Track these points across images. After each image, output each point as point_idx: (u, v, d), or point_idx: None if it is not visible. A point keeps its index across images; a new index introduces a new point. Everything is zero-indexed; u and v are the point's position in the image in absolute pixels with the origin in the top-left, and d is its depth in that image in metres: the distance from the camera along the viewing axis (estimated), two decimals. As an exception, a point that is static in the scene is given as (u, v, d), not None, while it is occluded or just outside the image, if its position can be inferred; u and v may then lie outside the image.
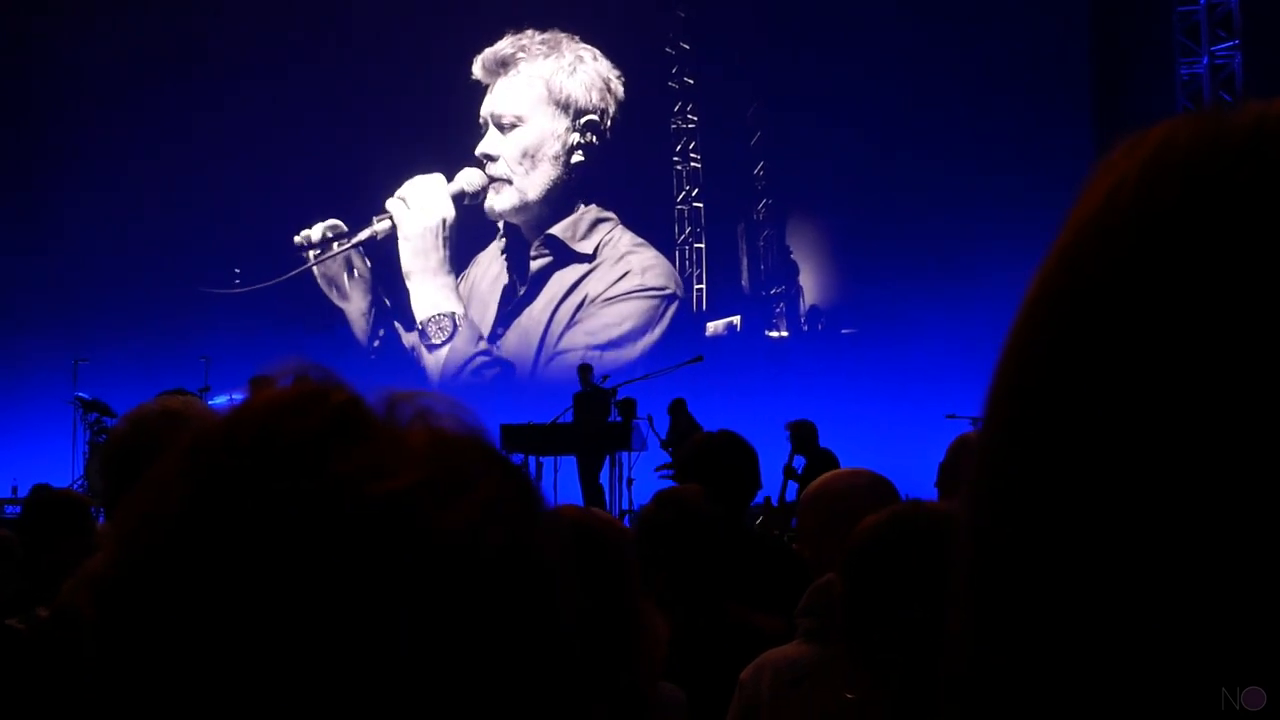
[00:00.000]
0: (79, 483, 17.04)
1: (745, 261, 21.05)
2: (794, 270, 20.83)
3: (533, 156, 20.84)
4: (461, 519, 0.74)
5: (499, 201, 20.77)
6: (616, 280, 20.57)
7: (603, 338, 20.23)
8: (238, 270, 21.13)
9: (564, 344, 20.31)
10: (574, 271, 20.79)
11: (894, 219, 19.48)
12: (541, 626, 0.77)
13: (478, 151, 20.82)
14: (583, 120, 20.89)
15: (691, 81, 21.13)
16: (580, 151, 20.81)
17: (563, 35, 21.05)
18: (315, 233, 20.92)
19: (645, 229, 20.90)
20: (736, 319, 20.85)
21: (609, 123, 20.94)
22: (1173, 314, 0.60)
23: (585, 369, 17.21)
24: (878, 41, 19.50)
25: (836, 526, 3.44)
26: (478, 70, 20.99)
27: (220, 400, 17.91)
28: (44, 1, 20.99)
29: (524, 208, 20.81)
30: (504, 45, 20.99)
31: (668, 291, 20.70)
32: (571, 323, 20.39)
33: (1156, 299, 0.60)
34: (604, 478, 16.43)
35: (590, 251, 20.80)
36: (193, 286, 20.85)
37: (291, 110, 20.64)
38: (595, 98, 20.93)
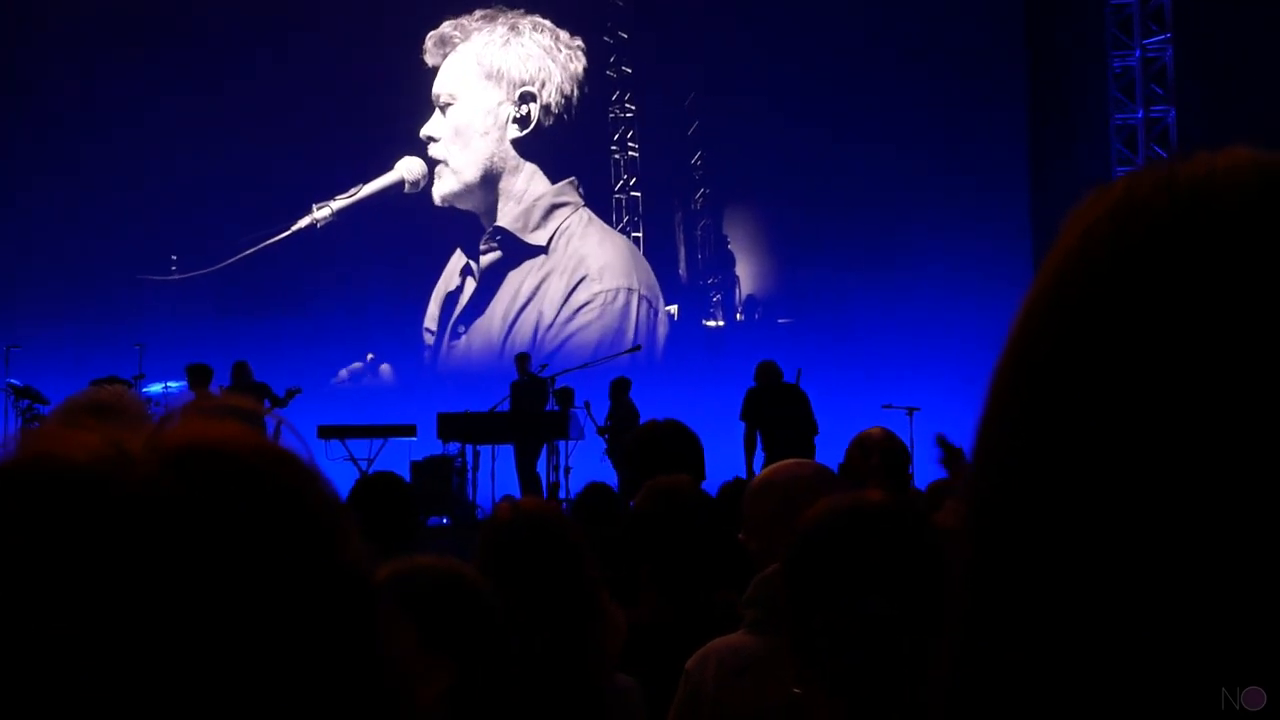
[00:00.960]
0: (9, 470, 16.86)
1: (683, 251, 21.06)
2: (731, 260, 20.86)
3: (463, 134, 20.53)
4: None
5: (440, 188, 20.56)
6: (571, 290, 20.22)
7: (569, 357, 19.76)
8: (174, 257, 20.93)
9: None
10: (529, 272, 20.44)
11: (830, 209, 19.57)
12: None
13: (421, 134, 20.64)
14: (518, 92, 20.64)
15: (629, 70, 21.09)
16: (516, 125, 20.56)
17: (504, 11, 20.84)
18: (321, 213, 20.68)
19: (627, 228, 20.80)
20: (674, 308, 20.85)
21: (554, 94, 20.68)
22: (1140, 338, 0.70)
23: (523, 357, 17.18)
24: (816, 32, 19.57)
25: (781, 517, 3.47)
26: (427, 55, 20.79)
27: (155, 388, 17.79)
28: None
29: (465, 191, 20.56)
30: (445, 26, 20.80)
31: (626, 288, 20.33)
32: (534, 343, 19.93)
33: (1128, 326, 0.70)
34: (541, 466, 16.43)
35: (544, 243, 20.50)
36: (128, 273, 20.64)
37: (237, 96, 20.44)
38: (532, 67, 20.66)
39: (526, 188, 20.58)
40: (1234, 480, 0.66)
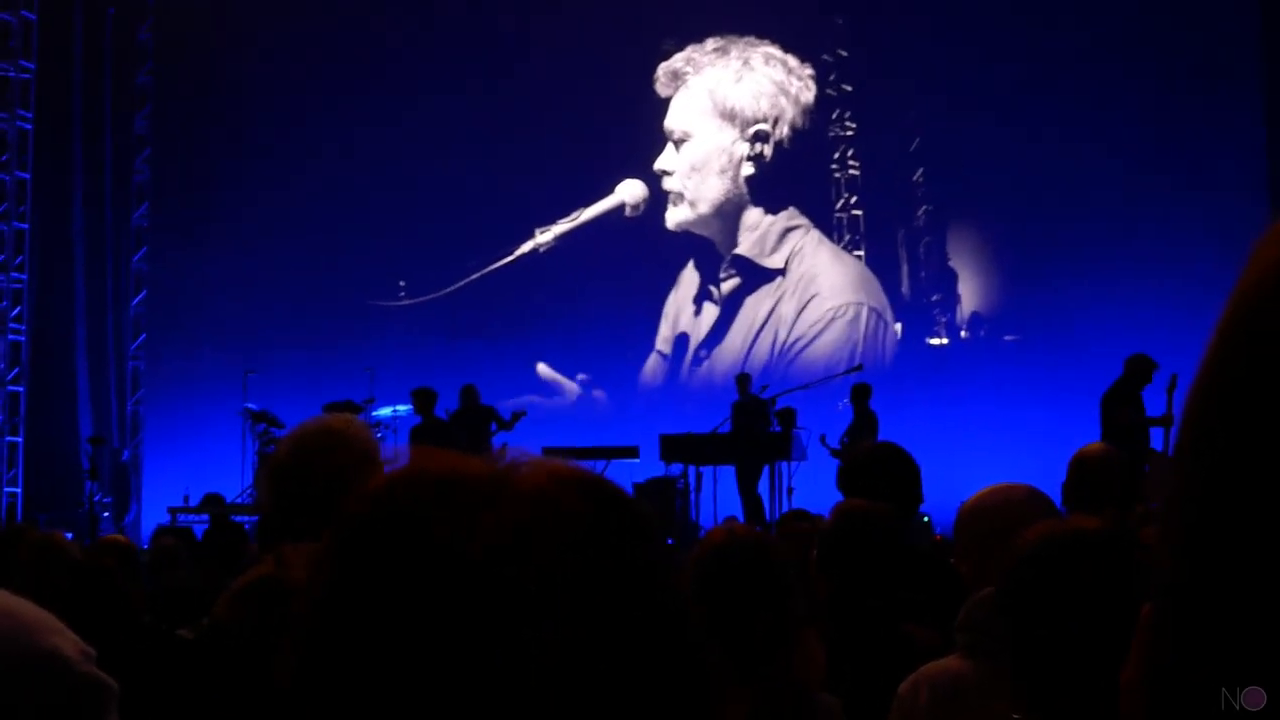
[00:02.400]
0: (248, 492, 17.45)
1: (906, 268, 20.87)
2: (954, 277, 20.61)
3: (700, 170, 20.75)
4: (542, 562, 0.87)
5: (673, 215, 20.79)
6: (802, 309, 20.31)
7: (802, 374, 19.76)
8: (402, 283, 21.42)
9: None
10: (765, 296, 20.60)
11: (1055, 223, 19.19)
12: (651, 647, 0.88)
13: (655, 167, 20.86)
14: (751, 130, 20.73)
15: (849, 88, 21.00)
16: (751, 163, 20.66)
17: (736, 40, 20.94)
18: (544, 238, 21.15)
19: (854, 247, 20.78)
20: (897, 326, 20.67)
21: (785, 129, 20.73)
22: None
23: (744, 378, 17.19)
24: (1038, 46, 19.23)
25: (993, 541, 3.40)
26: (659, 86, 21.03)
27: (384, 412, 18.24)
28: (222, 10, 21.45)
29: (700, 221, 20.76)
30: (676, 59, 21.00)
31: (857, 303, 20.36)
32: (770, 363, 20.12)
33: None
34: (763, 487, 16.40)
35: (781, 265, 20.58)
36: (358, 299, 21.18)
37: (465, 123, 20.86)
38: (764, 105, 20.75)
39: (761, 218, 20.70)
40: None
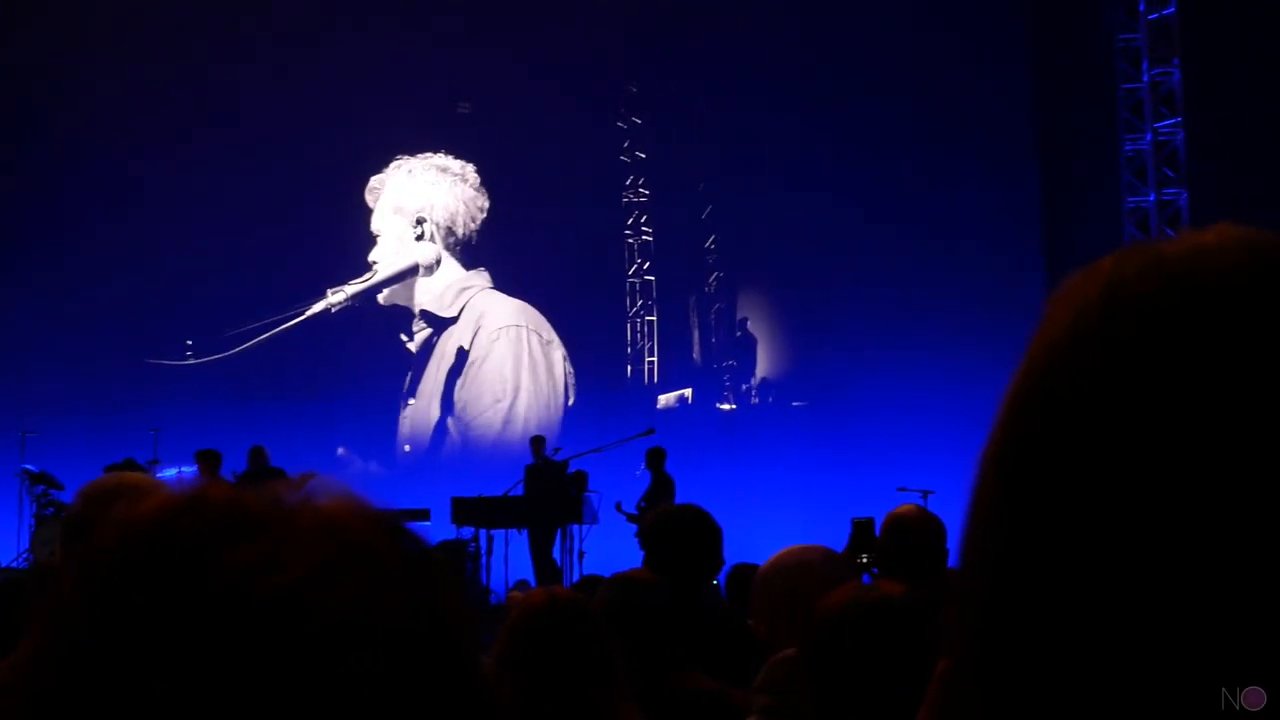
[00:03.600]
0: (24, 555, 16.86)
1: (697, 334, 21.12)
2: (745, 343, 20.90)
3: (392, 261, 21.72)
4: (349, 599, 0.77)
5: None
6: (473, 337, 21.32)
7: (487, 403, 20.91)
8: (189, 342, 21.00)
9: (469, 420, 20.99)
10: (448, 338, 21.44)
11: (843, 294, 19.59)
12: (449, 694, 0.79)
13: (370, 258, 21.63)
14: (414, 216, 21.74)
15: (643, 155, 21.24)
16: (428, 239, 21.78)
17: (408, 157, 21.85)
18: (336, 298, 21.17)
19: (599, 301, 20.96)
20: (688, 391, 20.89)
21: (440, 212, 21.83)
22: (1137, 419, 0.72)
23: (539, 440, 17.16)
24: (829, 119, 19.66)
25: (791, 602, 3.46)
26: (367, 197, 21.82)
27: (170, 473, 17.79)
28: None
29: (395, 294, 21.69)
30: (373, 181, 21.79)
31: (515, 325, 21.46)
32: (454, 392, 21.06)
33: (1122, 407, 0.73)
34: (555, 551, 16.37)
35: (455, 314, 21.48)
36: (143, 358, 20.69)
37: (253, 178, 20.58)
38: (427, 197, 21.93)
39: (440, 278, 21.61)
40: (1230, 558, 0.68)
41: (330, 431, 20.10)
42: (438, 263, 21.14)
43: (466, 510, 16.20)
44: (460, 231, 21.72)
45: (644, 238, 21.22)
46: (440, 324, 21.43)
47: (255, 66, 20.70)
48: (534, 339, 21.28)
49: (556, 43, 20.52)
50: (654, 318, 21.09)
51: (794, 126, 19.77)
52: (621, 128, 21.26)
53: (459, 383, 21.14)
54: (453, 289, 21.51)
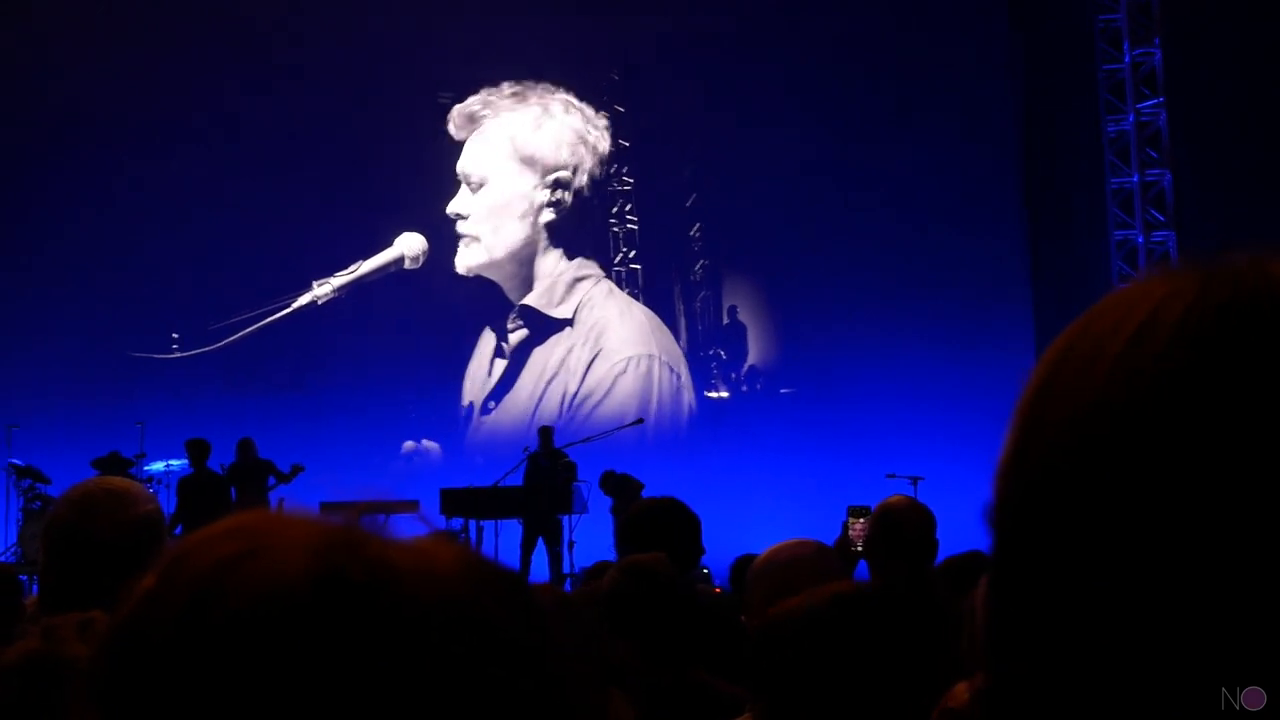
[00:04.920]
0: (11, 550, 16.85)
1: (683, 322, 21.10)
2: (731, 330, 20.89)
3: (499, 214, 20.63)
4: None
5: (465, 258, 20.62)
6: (591, 361, 20.30)
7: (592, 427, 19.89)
8: (175, 335, 20.95)
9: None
10: (554, 346, 20.54)
11: (830, 280, 19.61)
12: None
13: (449, 210, 20.70)
14: (551, 177, 20.67)
15: (627, 144, 21.20)
16: (551, 209, 20.63)
17: (534, 86, 20.91)
18: (322, 290, 20.80)
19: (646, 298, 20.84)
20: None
21: (584, 178, 20.74)
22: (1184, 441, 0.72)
23: (546, 431, 17.03)
24: (811, 106, 19.68)
25: (783, 598, 3.46)
26: (452, 128, 20.90)
27: (157, 466, 17.80)
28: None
29: (492, 265, 20.64)
30: (472, 101, 20.87)
31: (647, 355, 20.39)
32: (560, 416, 19.98)
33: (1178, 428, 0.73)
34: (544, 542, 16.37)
35: (569, 315, 20.55)
36: (129, 351, 20.65)
37: (238, 170, 20.54)
38: (565, 153, 20.71)
39: (554, 266, 20.71)
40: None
41: (317, 423, 20.05)
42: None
43: (455, 501, 16.20)
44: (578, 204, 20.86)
45: (628, 226, 21.19)
46: (542, 324, 20.65)
47: (239, 58, 20.65)
48: (665, 372, 20.30)
49: (538, 32, 20.48)
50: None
51: (776, 112, 19.77)
52: (605, 115, 21.21)
53: (568, 411, 20.25)
54: (563, 281, 20.65)
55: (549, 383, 20.42)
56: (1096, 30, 19.26)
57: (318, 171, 20.69)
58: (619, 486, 16.15)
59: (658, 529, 4.82)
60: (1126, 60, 19.11)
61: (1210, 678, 0.68)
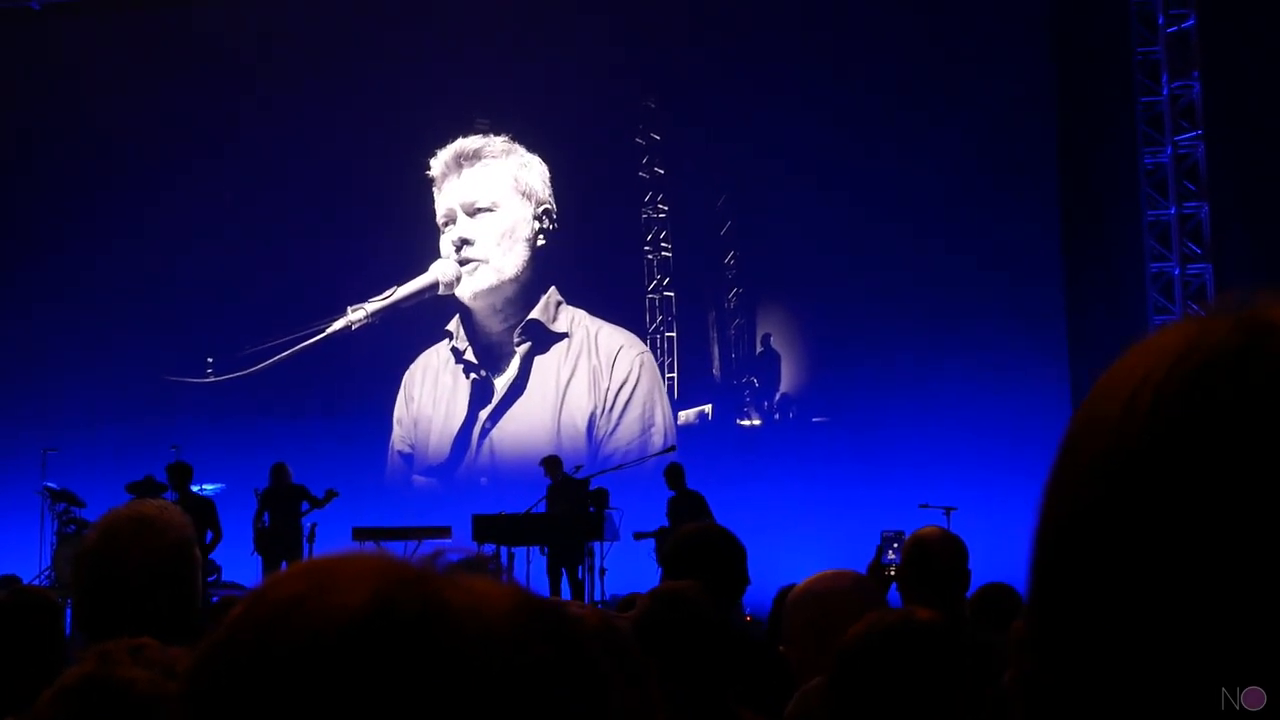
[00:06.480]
0: (46, 573, 16.93)
1: (717, 350, 21.11)
2: (765, 358, 20.88)
3: (509, 238, 21.15)
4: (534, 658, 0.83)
5: (473, 284, 21.06)
6: (614, 358, 20.88)
7: (635, 431, 20.52)
8: (210, 360, 21.07)
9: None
10: (559, 355, 20.97)
11: (864, 309, 19.57)
12: None
13: (454, 237, 20.98)
14: (540, 209, 21.24)
15: (661, 171, 21.27)
16: (542, 236, 21.11)
17: (510, 139, 21.56)
18: (356, 315, 21.07)
19: (617, 319, 20.96)
20: (708, 408, 20.87)
21: (554, 218, 21.33)
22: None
23: (554, 461, 17.14)
24: (849, 133, 19.67)
25: (821, 629, 3.45)
26: (437, 166, 21.25)
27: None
28: (12, 88, 21.07)
29: (497, 288, 21.07)
30: (470, 141, 21.35)
31: (645, 356, 20.97)
32: (591, 422, 20.65)
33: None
34: (579, 572, 16.37)
35: (566, 330, 21.04)
36: (164, 376, 20.77)
37: (273, 196, 20.68)
38: (545, 192, 21.39)
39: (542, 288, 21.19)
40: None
41: (349, 447, 20.12)
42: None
43: (487, 528, 16.22)
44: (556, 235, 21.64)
45: (663, 254, 21.23)
46: (542, 337, 21.12)
47: (275, 83, 20.80)
48: (657, 368, 21.13)
49: (574, 59, 20.58)
50: (674, 334, 21.08)
51: (812, 141, 19.77)
52: (640, 144, 21.29)
53: (601, 412, 20.73)
54: (552, 302, 21.20)
55: (568, 383, 20.85)
56: (1135, 62, 19.22)
57: (352, 198, 20.82)
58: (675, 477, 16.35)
59: (702, 557, 4.74)
60: (1165, 93, 19.06)
61: (1212, 680, 0.70)
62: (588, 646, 0.87)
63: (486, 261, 21.08)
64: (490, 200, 21.33)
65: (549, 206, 21.35)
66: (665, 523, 16.04)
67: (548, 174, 21.48)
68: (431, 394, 21.15)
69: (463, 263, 21.03)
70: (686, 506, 15.73)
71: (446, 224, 21.25)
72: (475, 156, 21.45)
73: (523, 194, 21.34)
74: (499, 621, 0.83)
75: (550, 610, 0.88)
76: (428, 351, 21.24)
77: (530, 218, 21.30)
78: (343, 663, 0.79)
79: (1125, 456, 0.76)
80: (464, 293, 21.06)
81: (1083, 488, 0.79)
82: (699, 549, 4.83)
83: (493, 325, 21.08)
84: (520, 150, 21.56)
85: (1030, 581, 0.82)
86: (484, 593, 0.85)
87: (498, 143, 21.56)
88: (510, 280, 21.08)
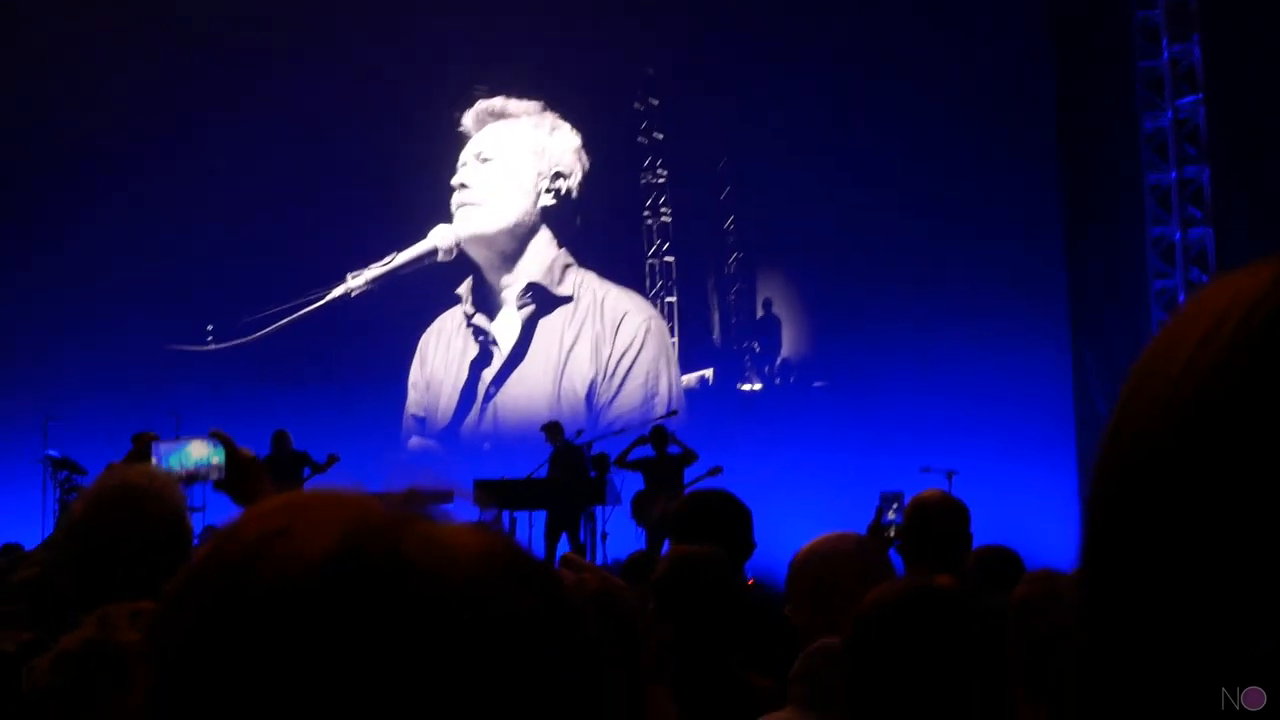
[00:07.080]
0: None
1: (717, 315, 21.11)
2: (765, 323, 20.88)
3: (505, 186, 21.15)
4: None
5: (464, 224, 21.03)
6: (618, 324, 20.78)
7: (638, 400, 20.44)
8: (210, 327, 21.06)
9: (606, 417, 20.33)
10: (563, 318, 20.95)
11: (864, 272, 19.55)
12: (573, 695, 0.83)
13: (454, 181, 21.03)
14: (553, 169, 21.10)
15: (660, 137, 21.23)
16: (551, 195, 21.04)
17: (543, 106, 21.39)
18: (356, 282, 21.01)
19: (618, 283, 20.93)
20: (709, 372, 20.88)
21: (574, 189, 21.18)
22: None
23: (554, 427, 17.14)
24: (846, 97, 19.62)
25: (825, 591, 3.47)
26: (468, 120, 21.23)
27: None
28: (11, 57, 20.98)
29: (486, 237, 21.05)
30: (498, 100, 21.36)
31: (654, 315, 20.96)
32: (591, 386, 20.60)
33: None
34: (581, 535, 16.41)
35: (571, 293, 20.98)
36: (163, 343, 20.75)
37: (272, 162, 20.61)
38: (568, 160, 21.15)
39: (547, 249, 21.05)
40: None
41: (349, 416, 20.11)
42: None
43: (489, 492, 16.22)
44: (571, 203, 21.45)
45: (663, 219, 21.21)
46: (546, 301, 21.09)
47: (275, 47, 20.70)
48: (667, 333, 21.08)
49: (572, 26, 20.50)
50: (674, 299, 21.08)
51: (811, 106, 19.73)
52: (639, 109, 21.25)
53: (602, 380, 20.70)
54: (558, 265, 21.12)
55: (571, 348, 20.80)
56: (1134, 26, 19.15)
57: (352, 164, 20.76)
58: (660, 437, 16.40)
59: (709, 522, 4.75)
60: (1165, 56, 18.98)
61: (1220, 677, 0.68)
62: (565, 597, 0.86)
63: (479, 205, 21.08)
64: (497, 148, 21.33)
65: (563, 170, 21.20)
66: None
67: (579, 143, 21.35)
68: (444, 358, 21.11)
69: (457, 207, 21.03)
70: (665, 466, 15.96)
71: (461, 186, 21.28)
72: (500, 114, 21.45)
73: (535, 152, 21.24)
74: (469, 569, 0.82)
75: (527, 560, 0.86)
76: (444, 315, 21.21)
77: (537, 174, 21.19)
78: (307, 611, 0.78)
79: (1207, 395, 0.73)
80: (452, 237, 21.03)
81: (1152, 433, 0.75)
82: (704, 513, 4.84)
83: (496, 283, 21.02)
84: (552, 116, 21.45)
85: (1085, 549, 0.78)
86: (458, 538, 0.84)
87: (523, 104, 21.48)
88: (502, 231, 21.00)
